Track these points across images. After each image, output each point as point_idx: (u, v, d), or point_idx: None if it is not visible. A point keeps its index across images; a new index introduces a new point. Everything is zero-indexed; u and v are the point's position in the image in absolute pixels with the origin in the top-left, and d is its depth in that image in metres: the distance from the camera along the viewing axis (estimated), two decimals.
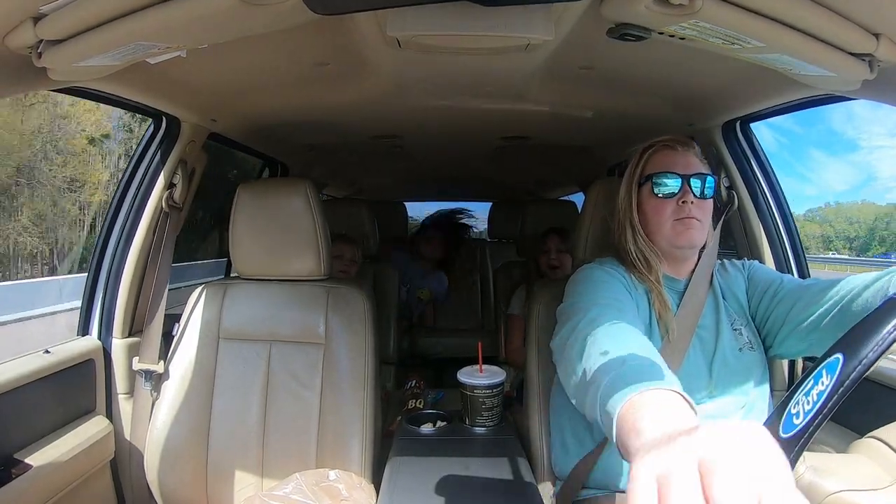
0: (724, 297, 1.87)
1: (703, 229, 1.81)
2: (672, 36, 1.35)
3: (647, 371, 1.14)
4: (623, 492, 1.73)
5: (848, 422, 1.92)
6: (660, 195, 1.79)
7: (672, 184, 1.78)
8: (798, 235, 2.40)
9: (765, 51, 1.37)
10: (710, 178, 1.81)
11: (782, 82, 1.73)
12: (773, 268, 2.34)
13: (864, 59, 1.36)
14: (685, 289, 1.85)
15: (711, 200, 1.83)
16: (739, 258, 2.34)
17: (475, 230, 6.24)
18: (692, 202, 1.77)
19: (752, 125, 2.44)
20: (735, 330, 1.81)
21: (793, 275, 2.35)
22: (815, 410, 0.73)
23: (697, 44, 1.38)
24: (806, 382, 0.77)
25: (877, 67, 1.37)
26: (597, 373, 1.25)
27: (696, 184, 1.78)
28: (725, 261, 2.00)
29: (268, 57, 1.94)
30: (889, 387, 1.87)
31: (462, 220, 5.66)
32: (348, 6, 1.30)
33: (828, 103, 1.97)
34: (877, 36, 1.29)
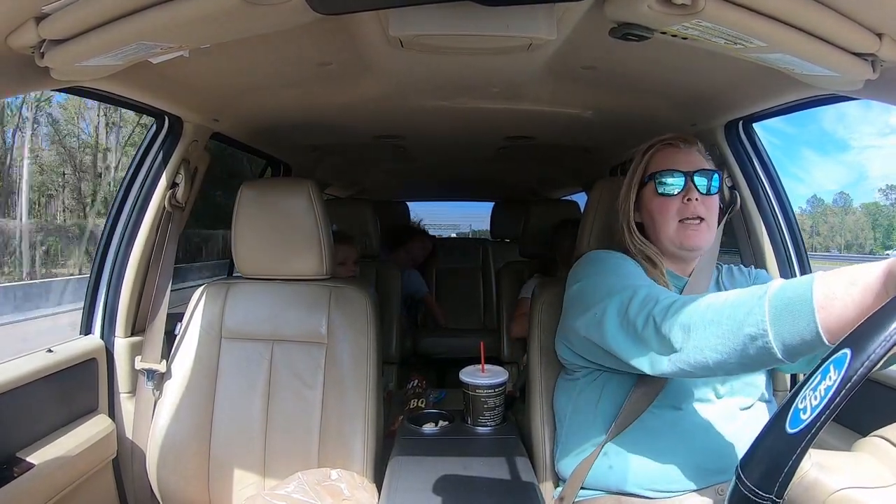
0: None
1: (709, 230, 1.80)
2: (675, 36, 1.35)
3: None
4: (622, 493, 1.73)
5: (851, 423, 1.91)
6: (664, 193, 1.78)
7: (676, 181, 1.77)
8: (801, 236, 2.39)
9: (767, 51, 1.36)
10: (715, 175, 1.80)
11: (785, 82, 1.73)
12: (777, 268, 2.34)
13: (866, 59, 1.36)
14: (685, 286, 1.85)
15: (717, 197, 1.83)
16: (743, 259, 2.34)
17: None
18: (697, 199, 1.76)
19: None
20: None
21: (796, 275, 2.35)
22: (822, 406, 0.73)
23: (700, 44, 1.38)
24: (813, 378, 0.77)
25: (879, 67, 1.37)
26: (739, 298, 1.26)
27: (700, 180, 1.78)
28: (734, 266, 1.99)
29: (270, 57, 1.94)
30: (893, 388, 1.87)
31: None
32: (350, 6, 1.31)
33: (830, 103, 1.96)
34: (880, 36, 1.29)
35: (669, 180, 1.78)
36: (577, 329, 1.72)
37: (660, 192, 1.78)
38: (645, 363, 1.46)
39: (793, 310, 1.10)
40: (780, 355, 1.13)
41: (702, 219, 1.77)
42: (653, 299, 1.47)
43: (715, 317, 1.28)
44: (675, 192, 1.78)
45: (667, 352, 1.39)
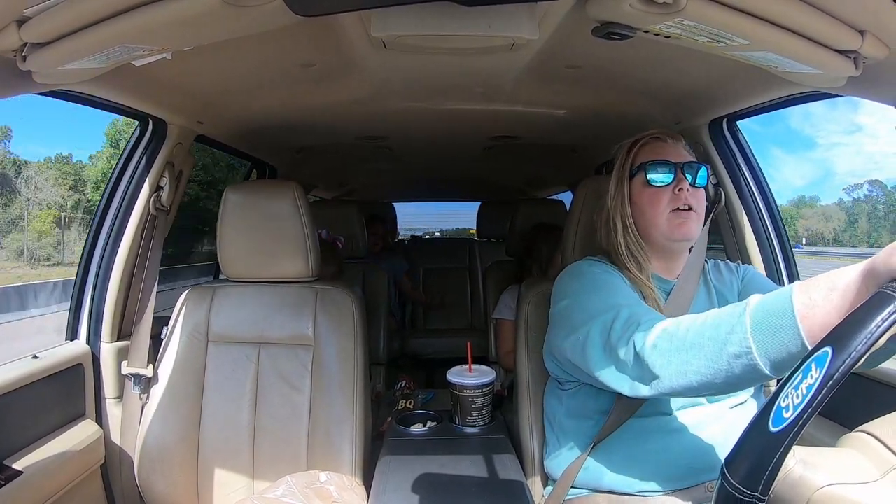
0: (716, 298, 1.87)
1: (699, 220, 1.80)
2: (657, 35, 1.35)
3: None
4: (605, 492, 1.74)
5: (837, 416, 1.92)
6: (655, 184, 1.77)
7: (666, 172, 1.77)
8: (786, 232, 2.40)
9: (750, 49, 1.37)
10: (702, 168, 1.80)
11: (768, 80, 1.74)
12: (762, 265, 2.35)
13: (849, 56, 1.36)
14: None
15: (703, 190, 1.82)
16: (728, 255, 2.33)
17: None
18: (687, 189, 1.76)
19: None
20: None
21: (781, 272, 2.36)
22: (804, 404, 0.73)
23: (683, 42, 1.38)
24: (795, 376, 0.77)
25: (862, 64, 1.38)
26: (719, 318, 1.26)
27: (689, 171, 1.77)
28: (720, 262, 1.99)
29: (254, 58, 1.94)
30: (878, 381, 1.88)
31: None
32: (329, 7, 1.30)
33: (814, 100, 1.97)
34: (862, 33, 1.29)
35: (660, 170, 1.77)
36: (563, 351, 1.72)
37: (651, 182, 1.77)
38: (626, 387, 1.46)
39: (774, 323, 1.10)
40: (767, 371, 1.13)
41: (691, 209, 1.77)
42: (634, 323, 1.47)
43: (696, 340, 1.28)
44: (666, 183, 1.77)
45: (648, 378, 1.39)
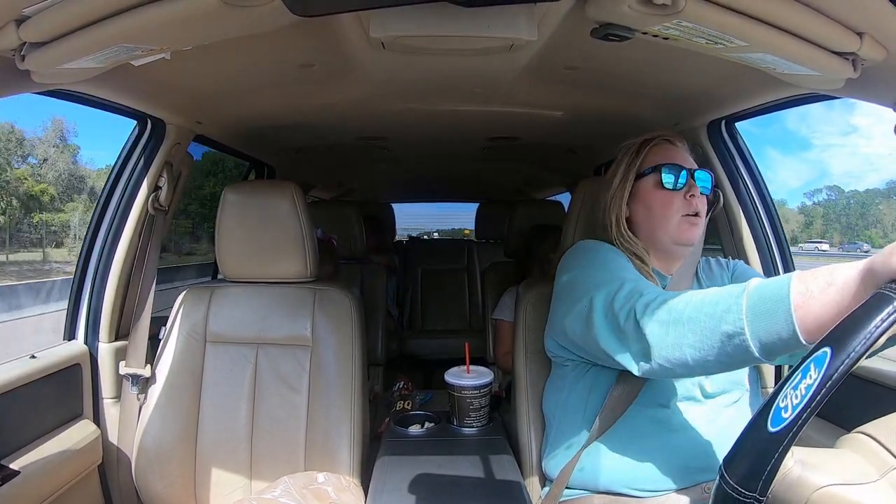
0: None
1: (702, 226, 1.82)
2: (656, 36, 1.35)
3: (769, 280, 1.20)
4: (601, 493, 1.73)
5: (835, 418, 1.92)
6: (668, 187, 1.78)
7: (681, 176, 1.78)
8: (783, 233, 2.40)
9: (748, 50, 1.37)
10: (709, 175, 1.83)
11: (767, 81, 1.74)
12: (760, 266, 2.35)
13: (847, 58, 1.36)
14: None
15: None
16: (725, 256, 2.33)
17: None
18: (698, 196, 1.78)
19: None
20: None
21: (780, 273, 2.36)
22: (803, 404, 0.73)
23: (681, 44, 1.38)
24: (794, 376, 0.77)
25: (860, 66, 1.38)
26: (718, 296, 1.27)
27: (700, 178, 1.80)
28: (711, 259, 2.00)
29: (253, 59, 1.93)
30: (876, 382, 1.88)
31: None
32: (327, 8, 1.30)
33: (812, 102, 1.97)
34: (860, 35, 1.29)
35: (675, 174, 1.78)
36: (565, 328, 1.72)
37: (665, 185, 1.78)
38: (627, 358, 1.47)
39: (769, 308, 1.11)
40: (756, 353, 1.15)
41: (698, 215, 1.79)
42: (637, 293, 1.48)
43: (694, 314, 1.29)
44: (679, 187, 1.78)
45: (646, 348, 1.39)
